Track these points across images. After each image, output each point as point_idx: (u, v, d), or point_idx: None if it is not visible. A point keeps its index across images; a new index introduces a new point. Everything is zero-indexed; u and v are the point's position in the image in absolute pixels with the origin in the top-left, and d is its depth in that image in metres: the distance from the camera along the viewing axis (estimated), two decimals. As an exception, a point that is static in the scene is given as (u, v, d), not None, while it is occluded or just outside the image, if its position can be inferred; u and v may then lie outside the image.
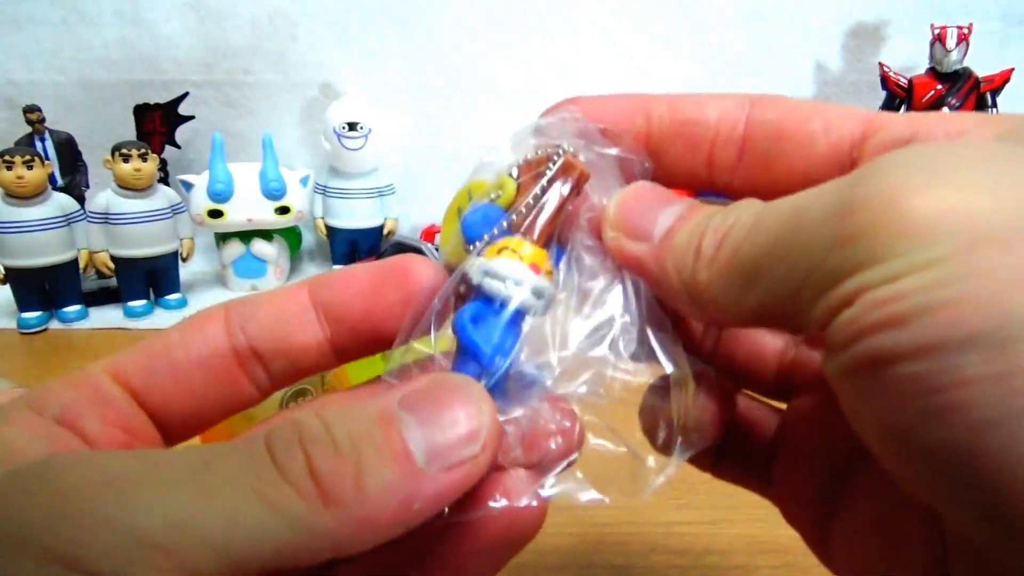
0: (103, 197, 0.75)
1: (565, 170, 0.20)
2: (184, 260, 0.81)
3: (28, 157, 0.70)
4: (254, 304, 0.20)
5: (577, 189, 0.20)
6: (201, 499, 0.14)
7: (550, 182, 0.20)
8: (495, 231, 0.20)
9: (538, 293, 0.19)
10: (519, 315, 0.19)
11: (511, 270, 0.19)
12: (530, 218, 0.20)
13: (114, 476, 0.14)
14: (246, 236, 0.85)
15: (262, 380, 0.20)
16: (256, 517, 0.14)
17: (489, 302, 0.19)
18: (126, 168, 0.74)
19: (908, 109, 0.79)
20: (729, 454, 0.24)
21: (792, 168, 0.20)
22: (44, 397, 0.18)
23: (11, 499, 0.14)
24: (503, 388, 0.19)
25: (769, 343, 0.24)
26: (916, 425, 0.13)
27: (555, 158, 0.20)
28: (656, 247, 0.19)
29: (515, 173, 0.20)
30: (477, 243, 0.20)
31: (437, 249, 0.86)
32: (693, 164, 0.21)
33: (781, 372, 0.24)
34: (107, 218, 0.75)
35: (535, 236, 0.19)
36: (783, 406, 0.24)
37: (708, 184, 0.21)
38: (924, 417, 0.13)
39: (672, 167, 0.21)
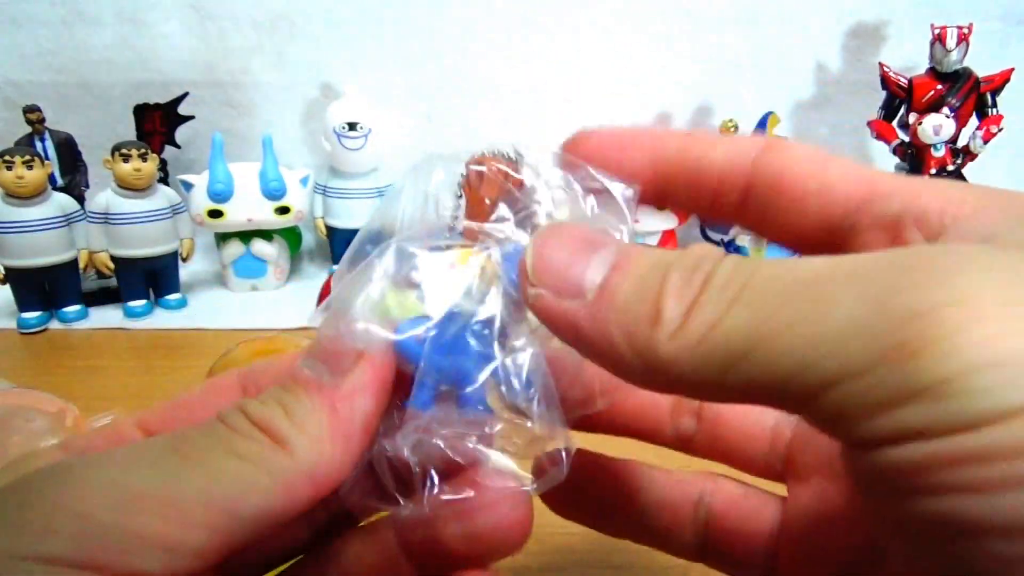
0: (103, 197, 0.75)
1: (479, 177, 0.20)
2: (184, 260, 0.81)
3: (28, 157, 0.70)
4: (265, 367, 0.23)
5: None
6: (184, 463, 0.17)
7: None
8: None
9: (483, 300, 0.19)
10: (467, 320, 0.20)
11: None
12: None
13: (101, 460, 0.17)
14: (246, 236, 0.85)
15: None
16: (236, 470, 0.17)
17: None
18: (126, 168, 0.74)
19: (908, 109, 0.79)
20: (718, 548, 0.23)
21: (787, 224, 0.19)
22: (75, 442, 0.21)
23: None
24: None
25: (758, 419, 0.22)
26: None
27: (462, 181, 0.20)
28: (591, 306, 0.15)
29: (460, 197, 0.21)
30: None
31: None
32: (697, 204, 0.21)
33: (775, 450, 0.22)
34: (107, 218, 0.75)
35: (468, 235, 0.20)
36: (778, 487, 0.22)
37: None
38: None
39: (677, 203, 0.21)
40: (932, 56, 0.78)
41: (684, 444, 0.24)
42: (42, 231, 0.72)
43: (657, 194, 0.21)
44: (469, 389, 0.19)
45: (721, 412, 0.23)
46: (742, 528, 0.22)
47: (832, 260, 0.13)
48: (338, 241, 0.92)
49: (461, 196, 0.21)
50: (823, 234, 0.18)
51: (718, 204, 0.20)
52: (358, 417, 0.18)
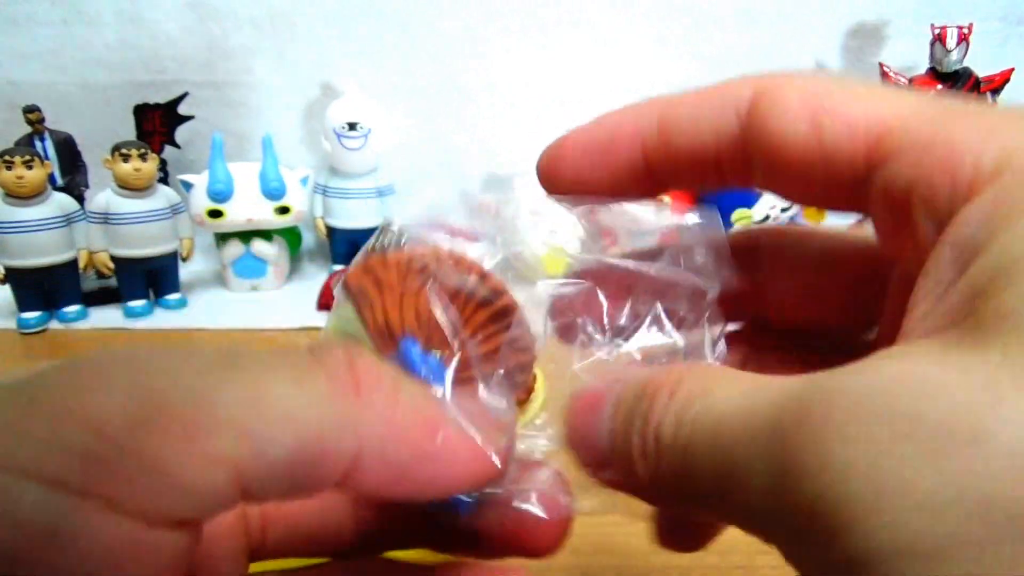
0: (103, 197, 0.75)
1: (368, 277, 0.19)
2: (184, 260, 0.81)
3: (28, 157, 0.70)
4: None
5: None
6: (233, 374, 0.14)
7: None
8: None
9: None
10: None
11: None
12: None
13: (135, 357, 0.15)
14: (246, 236, 0.84)
15: None
16: (283, 395, 0.14)
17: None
18: (126, 168, 0.73)
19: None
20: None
21: (802, 189, 0.17)
22: None
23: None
24: None
25: None
26: None
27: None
28: (633, 470, 0.15)
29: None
30: None
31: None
32: (704, 182, 0.19)
33: None
34: (107, 218, 0.75)
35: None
36: None
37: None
38: None
39: (683, 187, 0.20)
40: (932, 56, 0.78)
41: None
42: (42, 231, 0.72)
43: (659, 183, 0.19)
44: None
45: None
46: None
47: (742, 410, 0.13)
48: (338, 241, 0.92)
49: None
50: (843, 194, 0.16)
51: (726, 177, 0.18)
52: (443, 456, 0.16)
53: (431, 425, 0.16)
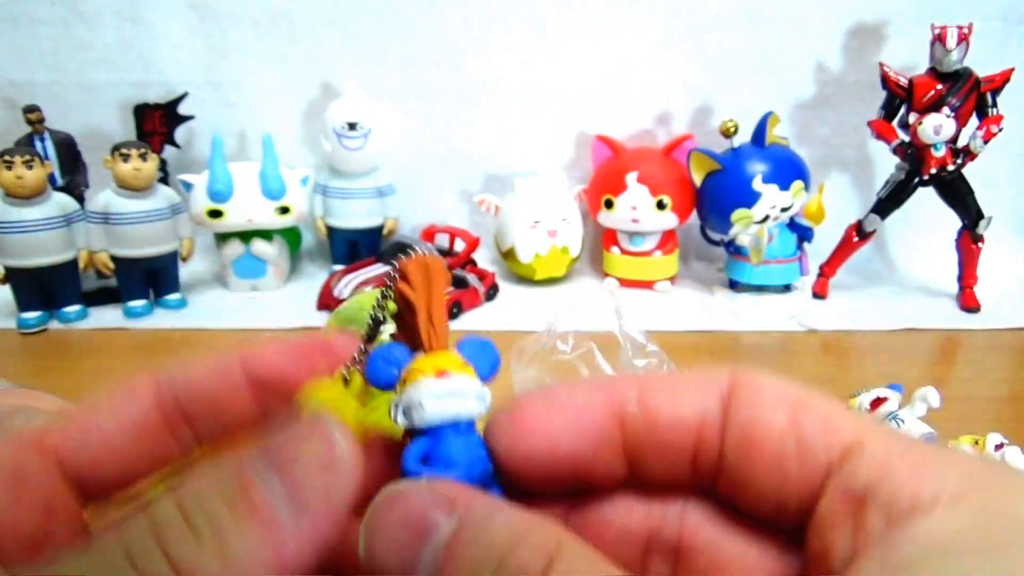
0: (103, 197, 0.75)
1: (423, 270, 0.18)
2: (184, 260, 0.81)
3: (28, 157, 0.70)
4: (185, 367, 0.20)
5: (441, 282, 0.18)
6: None
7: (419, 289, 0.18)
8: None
9: (481, 397, 0.17)
10: (471, 426, 0.17)
11: (449, 389, 0.17)
12: (423, 332, 0.17)
13: None
14: (246, 236, 0.84)
15: (187, 440, 0.20)
16: None
17: (436, 433, 0.17)
18: (126, 168, 0.74)
19: (909, 109, 0.79)
20: None
21: (764, 487, 0.16)
22: None
23: None
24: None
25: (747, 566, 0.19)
26: None
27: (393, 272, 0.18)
28: None
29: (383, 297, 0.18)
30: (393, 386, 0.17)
31: (438, 250, 0.86)
32: (674, 471, 0.18)
33: None
34: (107, 218, 0.75)
35: (437, 343, 0.17)
36: None
37: (691, 486, 0.18)
38: None
39: (651, 476, 0.18)
40: (932, 56, 0.78)
41: None
42: (42, 231, 0.72)
43: (631, 460, 0.18)
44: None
45: (704, 556, 0.19)
46: None
47: None
48: (338, 241, 0.92)
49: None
50: (801, 502, 0.16)
51: (698, 468, 0.17)
52: (308, 557, 0.15)
53: (278, 564, 0.15)
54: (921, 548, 0.13)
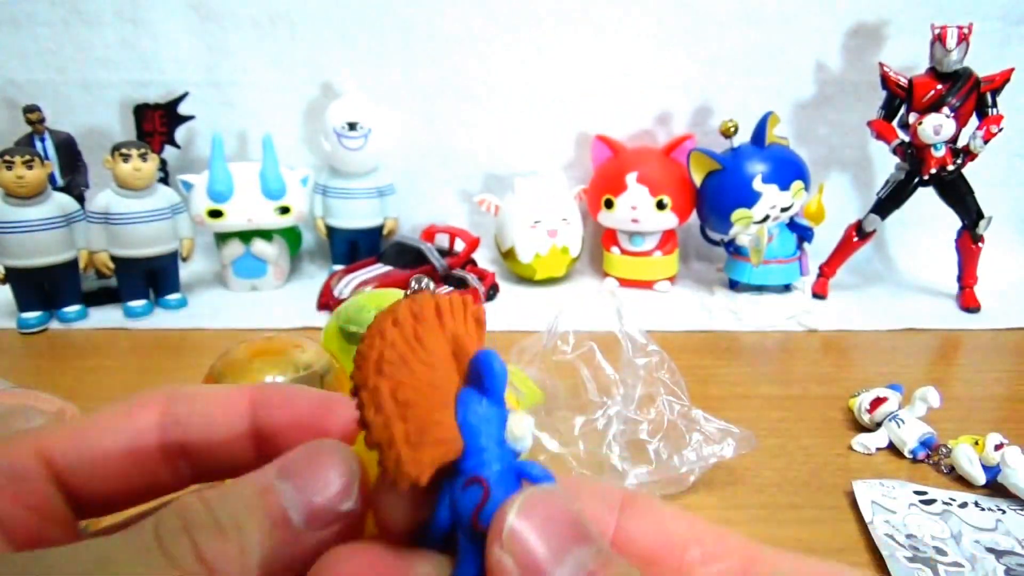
0: (103, 197, 0.75)
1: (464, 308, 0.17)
2: (184, 260, 0.81)
3: (28, 157, 0.70)
4: (193, 401, 0.20)
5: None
6: None
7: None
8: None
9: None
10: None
11: (525, 428, 0.17)
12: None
13: None
14: (246, 236, 0.85)
15: (183, 473, 0.20)
16: None
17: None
18: (126, 168, 0.74)
19: (908, 109, 0.79)
20: None
21: None
22: None
23: None
24: None
25: None
26: None
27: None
28: None
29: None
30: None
31: (438, 250, 0.86)
32: None
33: None
34: (107, 218, 0.75)
35: None
36: None
37: None
38: None
39: None
40: (932, 56, 0.78)
41: None
42: (42, 231, 0.72)
43: None
44: None
45: None
46: None
47: None
48: (338, 241, 0.92)
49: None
50: None
51: None
52: (310, 563, 0.16)
53: (288, 565, 0.16)
54: None
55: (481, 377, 0.16)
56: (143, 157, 0.74)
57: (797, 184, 0.81)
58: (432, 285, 0.18)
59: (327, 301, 0.79)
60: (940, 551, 0.40)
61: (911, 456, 0.50)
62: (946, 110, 0.77)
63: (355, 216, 0.90)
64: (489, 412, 0.16)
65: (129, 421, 0.19)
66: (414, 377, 0.16)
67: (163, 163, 0.87)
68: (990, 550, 0.40)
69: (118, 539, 0.16)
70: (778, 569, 0.17)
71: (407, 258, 0.85)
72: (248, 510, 0.16)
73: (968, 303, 0.80)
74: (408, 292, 0.17)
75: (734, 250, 0.85)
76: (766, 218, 0.80)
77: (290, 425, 0.20)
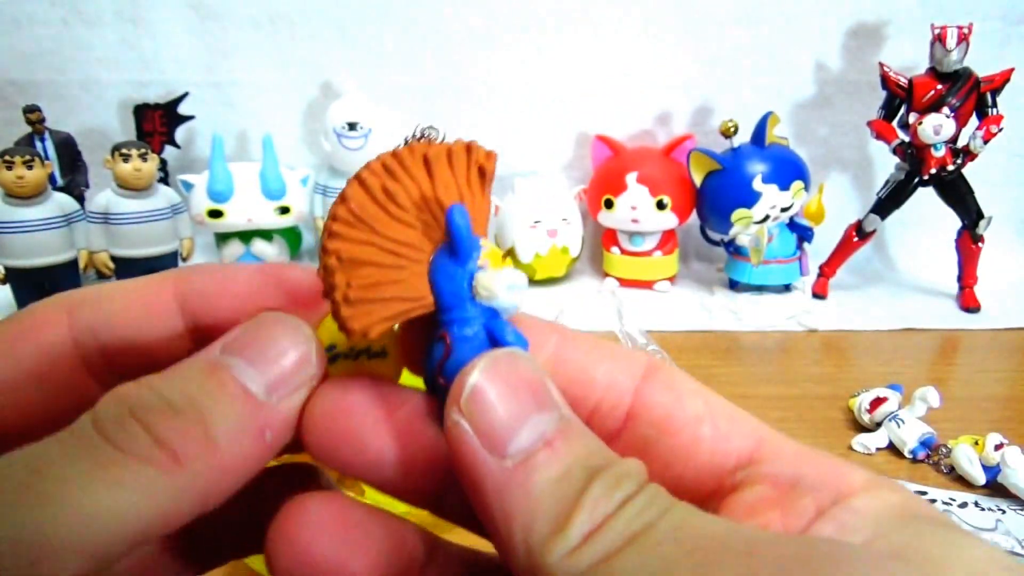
0: (103, 197, 0.75)
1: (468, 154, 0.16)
2: (184, 260, 0.81)
3: (28, 157, 0.70)
4: (106, 300, 0.18)
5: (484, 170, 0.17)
6: (43, 509, 0.13)
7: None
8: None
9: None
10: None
11: (518, 279, 0.16)
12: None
13: None
14: (246, 236, 0.85)
15: (111, 379, 0.17)
16: (110, 502, 0.13)
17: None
18: (126, 168, 0.74)
19: (908, 109, 0.79)
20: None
21: (671, 465, 0.17)
22: None
23: None
24: None
25: None
26: None
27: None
28: (506, 474, 0.14)
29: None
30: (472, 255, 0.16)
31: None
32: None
33: None
34: (107, 218, 0.75)
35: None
36: None
37: None
38: None
39: None
40: (932, 56, 0.78)
41: None
42: (42, 231, 0.72)
43: None
44: None
45: None
46: None
47: (732, 530, 0.13)
48: (338, 241, 0.92)
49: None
50: (705, 484, 0.17)
51: (594, 429, 0.17)
52: (282, 441, 0.15)
53: (257, 438, 0.15)
54: (869, 515, 0.14)
55: (448, 233, 0.16)
56: (143, 157, 0.74)
57: (797, 184, 0.81)
58: (435, 135, 0.17)
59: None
60: (940, 551, 0.40)
61: (911, 456, 0.50)
62: (946, 110, 0.77)
63: (355, 216, 0.90)
64: (453, 269, 0.16)
65: (30, 340, 0.17)
66: (374, 235, 0.15)
67: (163, 163, 0.87)
68: (990, 550, 0.40)
69: (51, 442, 0.14)
70: (782, 454, 0.16)
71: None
72: (201, 388, 0.15)
73: (968, 303, 0.80)
74: (405, 141, 0.16)
75: (734, 250, 0.85)
76: (766, 218, 0.80)
77: (232, 310, 0.17)
